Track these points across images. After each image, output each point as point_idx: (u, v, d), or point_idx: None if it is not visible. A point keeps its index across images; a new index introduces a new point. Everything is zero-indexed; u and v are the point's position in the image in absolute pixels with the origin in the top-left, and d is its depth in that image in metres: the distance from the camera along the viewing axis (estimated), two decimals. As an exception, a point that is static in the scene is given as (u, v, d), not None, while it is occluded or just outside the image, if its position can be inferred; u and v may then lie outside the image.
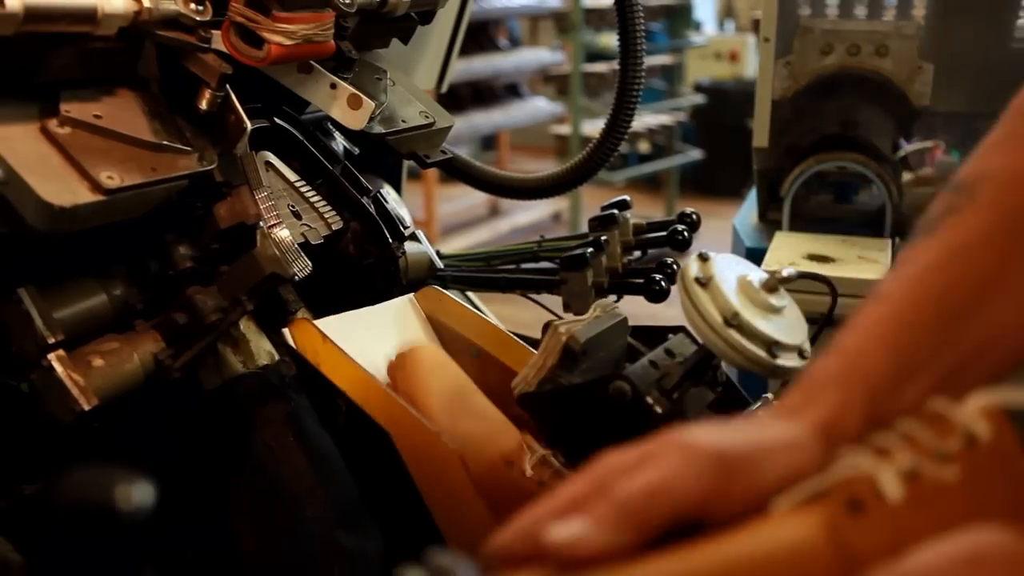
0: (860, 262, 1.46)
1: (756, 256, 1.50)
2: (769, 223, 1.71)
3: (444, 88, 1.59)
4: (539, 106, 5.41)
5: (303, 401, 1.06)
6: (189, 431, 1.02)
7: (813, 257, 1.46)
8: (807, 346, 0.85)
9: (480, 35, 5.11)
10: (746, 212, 1.83)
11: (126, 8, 0.82)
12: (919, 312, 0.59)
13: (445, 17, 1.52)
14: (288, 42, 0.95)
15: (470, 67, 4.90)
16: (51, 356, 0.84)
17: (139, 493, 0.35)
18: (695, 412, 0.86)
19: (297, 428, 1.02)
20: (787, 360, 0.82)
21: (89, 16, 0.80)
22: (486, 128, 5.22)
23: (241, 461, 1.01)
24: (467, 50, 4.92)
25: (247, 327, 1.05)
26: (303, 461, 1.00)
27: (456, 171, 1.33)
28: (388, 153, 1.23)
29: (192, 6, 0.87)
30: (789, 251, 1.48)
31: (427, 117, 1.21)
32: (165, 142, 0.88)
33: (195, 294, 0.92)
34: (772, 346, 0.81)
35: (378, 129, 1.14)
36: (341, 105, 1.05)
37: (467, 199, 5.74)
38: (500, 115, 5.15)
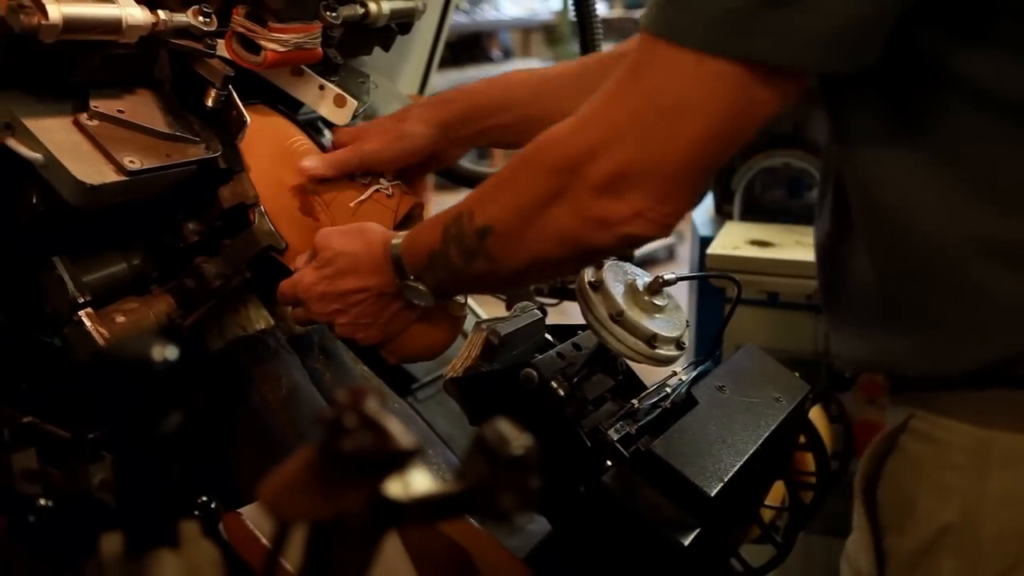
0: (796, 246, 1.62)
1: (707, 243, 1.67)
2: (724, 214, 1.87)
3: (426, 92, 1.75)
4: (531, 115, 5.57)
5: (295, 361, 1.21)
6: (196, 385, 1.18)
7: (756, 243, 1.62)
8: (686, 339, 1.01)
9: (473, 47, 5.29)
10: (704, 205, 1.99)
11: (145, 20, 0.97)
12: None
13: (426, 28, 1.68)
14: (282, 49, 1.11)
15: (463, 77, 5.07)
16: (81, 313, 1.00)
17: (168, 351, 0.50)
18: (594, 395, 1.02)
19: (289, 384, 1.17)
20: (665, 350, 0.98)
21: (115, 27, 0.95)
22: (479, 137, 5.38)
23: (240, 411, 1.16)
24: (461, 61, 5.09)
25: (248, 298, 1.20)
26: (294, 411, 1.16)
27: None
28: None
29: (200, 19, 1.03)
30: (735, 238, 1.64)
31: (405, 115, 1.36)
32: (177, 133, 1.03)
33: (202, 263, 1.07)
34: (651, 339, 0.97)
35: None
36: (328, 104, 1.21)
37: (462, 206, 5.87)
38: (493, 124, 5.31)
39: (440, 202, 5.68)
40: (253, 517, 0.94)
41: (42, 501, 0.73)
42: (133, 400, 0.51)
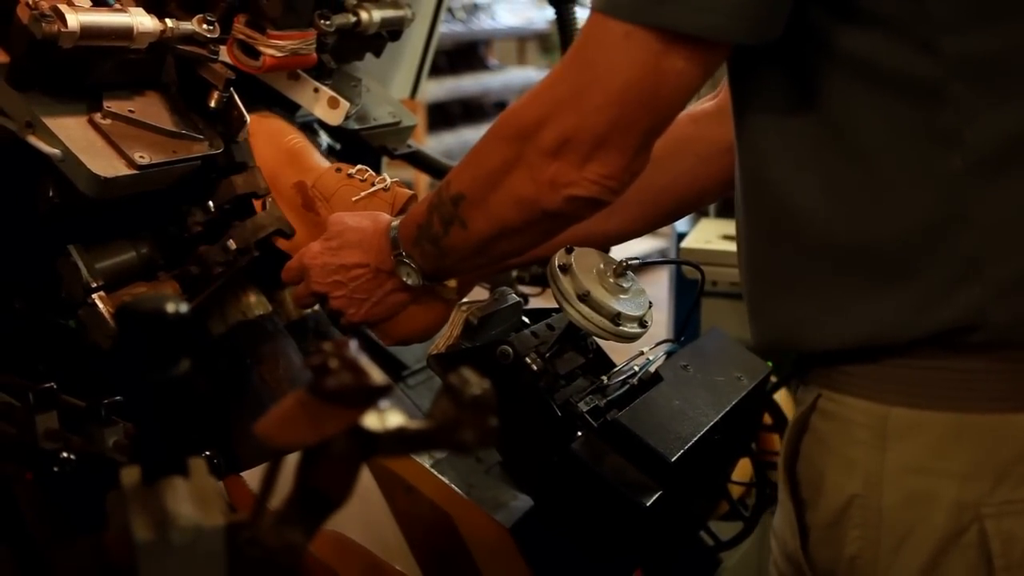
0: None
1: (683, 238, 1.76)
2: (700, 212, 1.95)
3: (417, 96, 1.85)
4: (526, 122, 5.65)
5: (292, 344, 1.30)
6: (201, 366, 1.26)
7: (727, 237, 1.71)
8: (649, 318, 1.09)
9: (470, 55, 5.38)
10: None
11: (154, 28, 1.07)
12: None
13: (416, 35, 1.77)
14: (279, 54, 1.20)
15: (460, 85, 5.16)
16: (94, 296, 1.09)
17: (180, 307, 0.59)
18: (566, 371, 1.11)
19: (286, 364, 1.26)
20: (629, 328, 1.07)
21: (127, 34, 1.04)
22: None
23: (241, 390, 1.25)
24: (457, 69, 5.18)
25: (248, 286, 1.29)
26: (290, 390, 1.24)
27: (419, 162, 1.59)
28: (367, 152, 1.48)
29: (204, 27, 1.12)
30: (707, 233, 1.74)
31: (394, 117, 1.46)
32: (183, 131, 1.13)
33: (205, 251, 1.16)
34: (615, 317, 1.05)
35: (353, 126, 1.39)
36: (322, 105, 1.30)
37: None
38: (489, 131, 5.39)
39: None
40: (254, 480, 1.03)
41: (64, 454, 0.82)
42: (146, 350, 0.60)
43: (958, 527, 0.76)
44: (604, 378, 1.13)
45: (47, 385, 0.89)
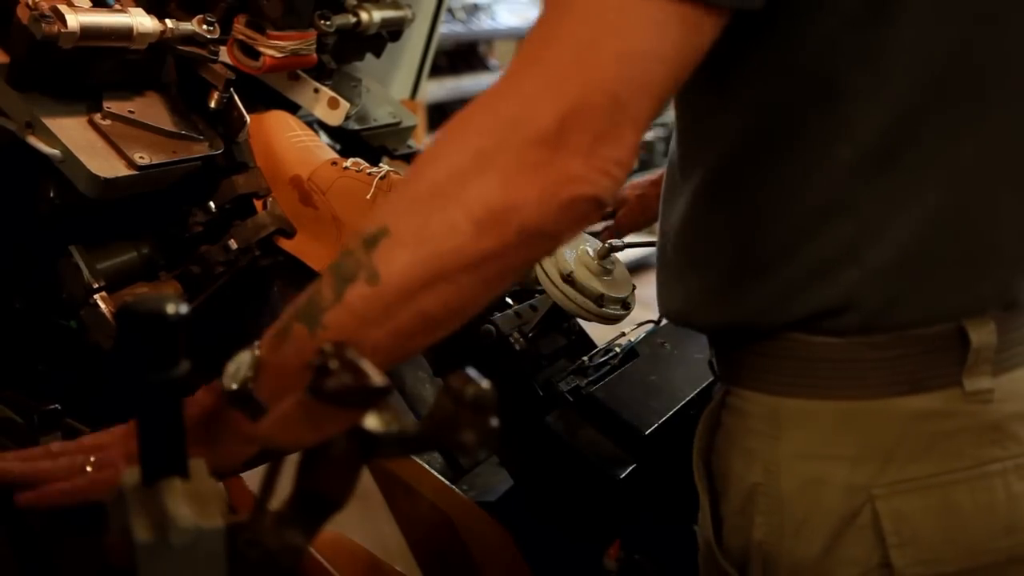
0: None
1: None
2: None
3: (417, 96, 1.85)
4: (527, 122, 5.64)
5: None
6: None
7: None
8: (632, 299, 1.10)
9: (470, 56, 5.38)
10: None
11: (154, 28, 1.07)
12: None
13: (416, 36, 1.77)
14: (279, 55, 1.20)
15: (461, 86, 5.16)
16: (96, 297, 1.09)
17: (181, 307, 0.59)
18: (549, 351, 1.11)
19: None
20: (612, 309, 1.07)
21: (127, 34, 1.04)
22: (476, 143, 5.47)
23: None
24: (458, 70, 5.18)
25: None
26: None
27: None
28: (367, 152, 1.48)
29: (204, 27, 1.12)
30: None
31: (395, 117, 1.46)
32: (183, 132, 1.12)
33: (206, 251, 1.16)
34: (599, 298, 1.06)
35: (353, 126, 1.39)
36: (322, 106, 1.30)
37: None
38: (489, 131, 5.40)
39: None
40: (254, 480, 1.03)
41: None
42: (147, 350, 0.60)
43: (852, 509, 0.78)
44: (585, 359, 1.14)
45: (52, 406, 0.89)
